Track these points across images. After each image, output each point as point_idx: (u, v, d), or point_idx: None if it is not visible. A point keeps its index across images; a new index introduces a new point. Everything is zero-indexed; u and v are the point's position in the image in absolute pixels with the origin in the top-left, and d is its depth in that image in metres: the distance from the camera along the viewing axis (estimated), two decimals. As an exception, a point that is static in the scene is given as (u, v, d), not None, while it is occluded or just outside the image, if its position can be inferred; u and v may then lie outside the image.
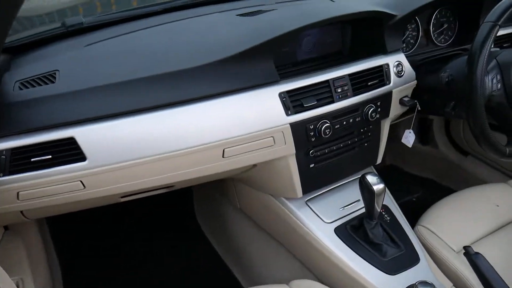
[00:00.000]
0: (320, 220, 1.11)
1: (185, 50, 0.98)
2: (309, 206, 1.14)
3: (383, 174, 1.11)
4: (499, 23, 0.96)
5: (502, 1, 0.99)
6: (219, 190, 1.46)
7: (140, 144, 0.86)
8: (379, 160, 1.25)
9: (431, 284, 0.87)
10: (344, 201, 1.17)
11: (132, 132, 0.85)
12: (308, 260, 1.14)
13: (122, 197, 1.01)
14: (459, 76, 1.10)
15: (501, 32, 1.38)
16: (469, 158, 1.78)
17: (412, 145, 1.32)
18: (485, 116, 1.00)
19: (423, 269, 1.02)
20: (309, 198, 1.16)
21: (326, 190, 1.19)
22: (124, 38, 1.06)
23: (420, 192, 1.83)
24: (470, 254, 0.94)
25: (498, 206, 1.24)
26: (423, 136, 1.90)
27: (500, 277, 0.89)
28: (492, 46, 0.98)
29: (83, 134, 0.82)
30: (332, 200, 1.17)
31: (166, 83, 0.89)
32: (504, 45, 1.40)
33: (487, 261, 0.92)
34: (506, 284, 0.88)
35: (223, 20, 1.13)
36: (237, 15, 1.14)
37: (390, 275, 1.00)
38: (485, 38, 0.96)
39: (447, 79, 1.11)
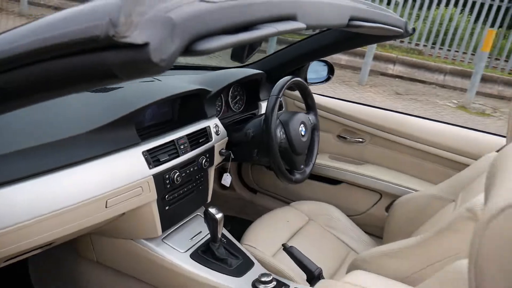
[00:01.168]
0: (177, 251, 1.39)
1: (63, 121, 1.15)
2: (165, 242, 1.40)
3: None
4: (280, 95, 1.50)
5: (280, 80, 1.53)
6: (67, 250, 1.54)
7: (28, 206, 0.98)
8: (209, 199, 1.62)
9: (269, 274, 1.27)
10: (191, 233, 1.48)
11: (17, 197, 0.96)
12: (176, 287, 1.38)
13: (6, 260, 1.07)
14: (258, 132, 1.59)
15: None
16: (258, 195, 2.33)
17: (215, 190, 1.72)
18: (279, 157, 1.50)
19: (258, 269, 1.41)
20: (164, 236, 1.42)
21: (176, 227, 1.48)
22: None
23: (229, 227, 2.26)
24: (287, 248, 1.38)
25: (288, 221, 1.76)
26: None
27: (309, 258, 1.36)
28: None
29: None
30: (182, 234, 1.46)
31: (50, 150, 1.05)
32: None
33: (298, 250, 1.38)
34: (313, 263, 1.35)
35: (80, 95, 1.33)
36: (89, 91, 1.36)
37: (237, 277, 1.35)
38: (273, 106, 1.47)
39: (252, 134, 1.58)
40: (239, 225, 2.18)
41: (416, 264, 1.26)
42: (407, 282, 1.02)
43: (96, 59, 0.48)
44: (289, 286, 1.30)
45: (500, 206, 0.44)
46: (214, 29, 0.56)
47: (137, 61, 0.46)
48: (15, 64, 0.51)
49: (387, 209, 1.92)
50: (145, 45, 0.46)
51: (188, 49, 0.52)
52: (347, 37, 1.69)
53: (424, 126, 1.90)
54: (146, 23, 0.47)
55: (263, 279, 1.30)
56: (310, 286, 1.33)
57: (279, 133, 1.54)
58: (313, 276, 1.32)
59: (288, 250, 1.38)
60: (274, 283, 1.30)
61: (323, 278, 1.35)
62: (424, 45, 8.67)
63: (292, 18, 0.76)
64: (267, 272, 1.33)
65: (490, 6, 8.17)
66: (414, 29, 1.50)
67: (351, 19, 1.03)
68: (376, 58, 7.51)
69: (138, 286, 1.44)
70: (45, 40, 0.49)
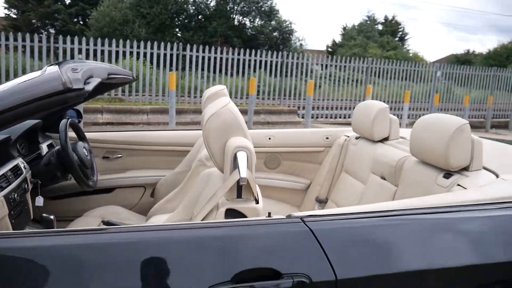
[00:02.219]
0: None
1: None
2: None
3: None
4: (67, 131, 2.21)
5: (62, 121, 2.24)
6: None
7: None
8: (32, 216, 2.15)
9: None
10: None
11: None
12: None
13: None
14: (56, 159, 2.23)
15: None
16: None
17: None
18: (80, 172, 2.21)
19: None
20: None
21: None
22: None
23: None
24: (105, 222, 2.11)
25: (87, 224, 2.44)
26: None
27: (122, 223, 2.13)
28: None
29: None
30: None
31: None
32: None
33: (115, 220, 2.13)
34: (124, 223, 2.12)
35: None
36: None
37: None
38: (65, 138, 2.18)
39: (54, 161, 2.21)
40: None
41: (181, 200, 2.24)
42: None
43: (61, 97, 1.26)
44: None
45: (206, 118, 1.46)
46: (84, 80, 1.41)
47: (81, 94, 1.28)
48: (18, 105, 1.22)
49: (152, 195, 2.84)
50: (83, 88, 1.29)
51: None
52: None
53: (157, 136, 2.92)
54: (73, 80, 1.29)
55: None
56: None
57: (74, 155, 2.24)
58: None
59: (107, 222, 2.12)
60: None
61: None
62: (122, 94, 9.97)
63: (92, 76, 1.63)
64: None
65: (165, 55, 10.21)
66: (137, 76, 2.50)
67: (109, 74, 1.95)
68: (85, 111, 8.25)
69: None
70: (33, 94, 1.24)
